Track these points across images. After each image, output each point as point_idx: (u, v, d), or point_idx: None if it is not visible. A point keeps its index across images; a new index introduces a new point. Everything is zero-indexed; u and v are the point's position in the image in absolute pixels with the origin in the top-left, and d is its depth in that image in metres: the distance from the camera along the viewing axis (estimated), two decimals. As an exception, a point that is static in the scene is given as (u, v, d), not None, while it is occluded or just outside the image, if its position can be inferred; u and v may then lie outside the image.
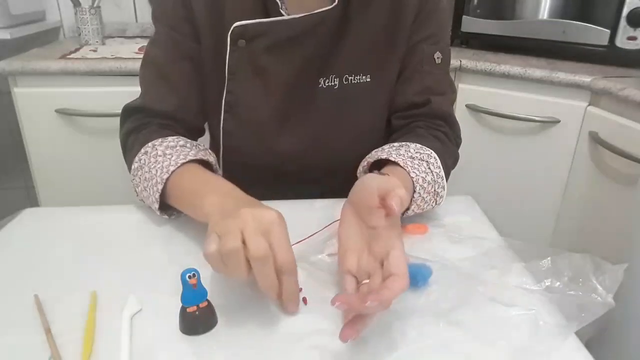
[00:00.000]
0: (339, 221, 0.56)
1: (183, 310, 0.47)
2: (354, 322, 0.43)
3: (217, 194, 0.57)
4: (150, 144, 0.67)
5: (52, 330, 0.47)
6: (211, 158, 0.70)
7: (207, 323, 0.48)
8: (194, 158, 0.65)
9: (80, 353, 0.44)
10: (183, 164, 0.63)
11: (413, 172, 0.63)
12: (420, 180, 0.63)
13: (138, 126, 0.72)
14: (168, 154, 0.65)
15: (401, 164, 0.64)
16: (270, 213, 0.49)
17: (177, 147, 0.67)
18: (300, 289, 0.52)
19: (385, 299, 0.42)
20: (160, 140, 0.68)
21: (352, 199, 0.55)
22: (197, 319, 0.47)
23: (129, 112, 0.74)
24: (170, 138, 0.68)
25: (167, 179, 0.62)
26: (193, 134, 0.77)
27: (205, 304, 0.47)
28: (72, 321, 0.48)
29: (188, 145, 0.69)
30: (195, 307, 0.47)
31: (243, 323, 0.49)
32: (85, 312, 0.49)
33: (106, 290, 0.53)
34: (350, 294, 0.48)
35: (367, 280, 0.49)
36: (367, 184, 0.54)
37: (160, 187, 0.62)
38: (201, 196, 0.57)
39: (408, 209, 0.64)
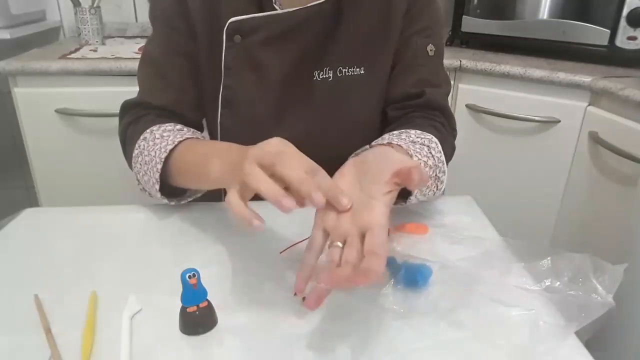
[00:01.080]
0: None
1: (183, 310, 0.47)
2: (322, 294, 0.44)
3: (218, 156, 0.57)
4: (148, 130, 0.69)
5: (52, 330, 0.47)
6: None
7: (207, 323, 0.48)
8: (191, 137, 0.67)
9: (80, 353, 0.44)
10: (180, 142, 0.65)
11: (415, 156, 0.63)
12: (422, 165, 0.63)
13: (136, 118, 0.73)
14: (165, 136, 0.67)
15: (404, 147, 0.63)
16: (272, 141, 0.48)
17: (175, 130, 0.69)
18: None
19: (371, 281, 0.41)
20: (157, 126, 0.70)
21: (365, 162, 0.53)
22: (197, 319, 0.47)
23: (127, 108, 0.76)
24: (167, 123, 0.70)
25: (166, 157, 0.64)
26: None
27: (205, 304, 0.47)
28: (72, 321, 0.48)
29: (185, 129, 0.71)
30: (195, 307, 0.47)
31: (243, 323, 0.49)
32: (85, 312, 0.49)
33: (106, 290, 0.53)
34: (333, 271, 0.45)
35: (339, 244, 0.47)
36: (390, 156, 0.52)
37: (159, 166, 0.64)
38: (204, 164, 0.58)
39: (410, 194, 0.63)
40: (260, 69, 0.73)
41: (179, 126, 0.71)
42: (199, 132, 0.74)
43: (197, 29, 0.72)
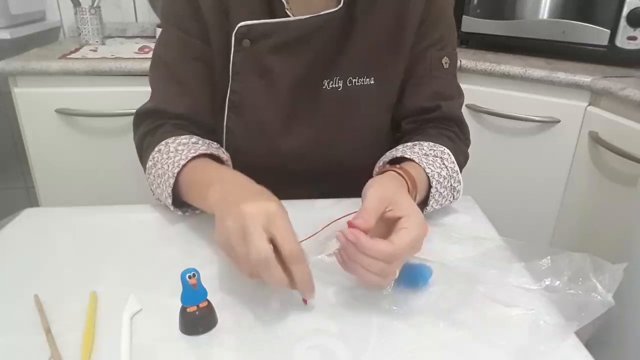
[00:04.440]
0: (338, 221, 0.56)
1: (183, 310, 0.47)
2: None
3: (220, 183, 0.57)
4: (163, 142, 0.68)
5: (52, 330, 0.47)
6: (223, 155, 0.69)
7: (207, 323, 0.48)
8: (205, 152, 0.66)
9: (80, 353, 0.44)
10: (194, 157, 0.64)
11: (428, 168, 0.65)
12: (436, 176, 0.65)
13: (153, 128, 0.72)
14: (180, 149, 0.66)
15: (416, 161, 0.65)
16: (270, 205, 0.48)
17: (190, 144, 0.67)
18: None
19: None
20: (173, 138, 0.68)
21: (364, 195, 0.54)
22: (197, 319, 0.47)
23: (143, 116, 0.75)
24: (183, 136, 0.69)
25: (179, 172, 0.63)
26: (208, 135, 0.76)
27: (205, 304, 0.47)
28: (72, 321, 0.48)
29: (200, 142, 0.69)
30: (195, 307, 0.47)
31: (243, 323, 0.49)
32: (85, 312, 0.49)
33: (106, 290, 0.53)
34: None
35: None
36: (381, 194, 0.53)
37: (172, 181, 0.63)
38: (206, 187, 0.58)
39: (427, 204, 0.66)
40: (269, 76, 0.72)
41: (194, 139, 0.69)
42: (215, 144, 0.72)
43: (209, 30, 0.71)
